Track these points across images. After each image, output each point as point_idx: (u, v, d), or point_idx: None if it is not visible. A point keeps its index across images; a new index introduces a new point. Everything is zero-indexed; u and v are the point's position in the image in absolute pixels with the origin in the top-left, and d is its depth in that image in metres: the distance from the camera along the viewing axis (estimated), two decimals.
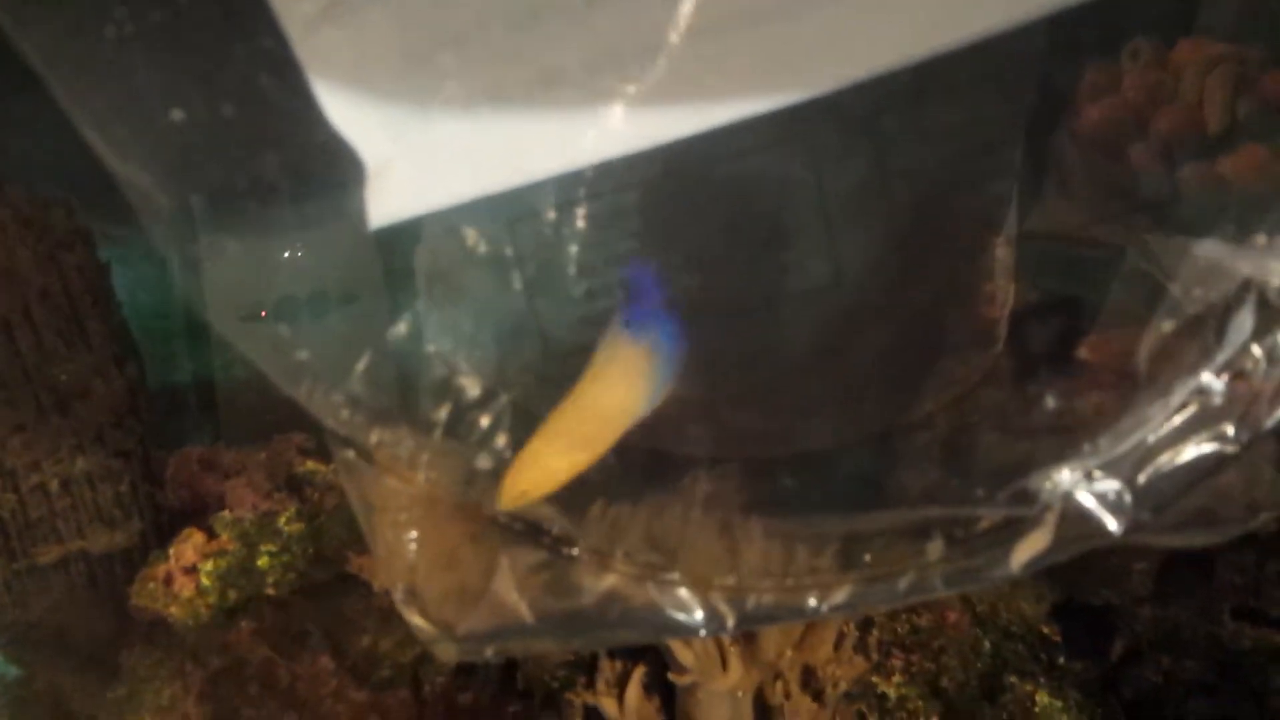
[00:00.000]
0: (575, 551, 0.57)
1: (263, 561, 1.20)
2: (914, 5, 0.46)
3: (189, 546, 1.20)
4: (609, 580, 0.57)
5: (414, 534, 0.58)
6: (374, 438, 0.56)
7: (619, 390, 0.53)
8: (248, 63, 0.44)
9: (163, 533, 1.25)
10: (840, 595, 0.51)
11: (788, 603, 0.52)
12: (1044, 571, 1.37)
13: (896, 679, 1.22)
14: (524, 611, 0.58)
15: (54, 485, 1.15)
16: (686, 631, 0.55)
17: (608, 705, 1.18)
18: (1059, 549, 0.48)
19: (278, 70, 0.45)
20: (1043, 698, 1.18)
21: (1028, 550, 0.48)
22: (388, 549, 0.58)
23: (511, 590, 0.58)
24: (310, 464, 1.32)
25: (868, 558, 0.51)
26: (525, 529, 0.57)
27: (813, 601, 0.52)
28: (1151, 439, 0.45)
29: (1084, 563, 1.38)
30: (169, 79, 0.44)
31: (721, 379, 0.61)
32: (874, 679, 1.23)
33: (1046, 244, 0.58)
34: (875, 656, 1.20)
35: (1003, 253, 0.57)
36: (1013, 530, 0.48)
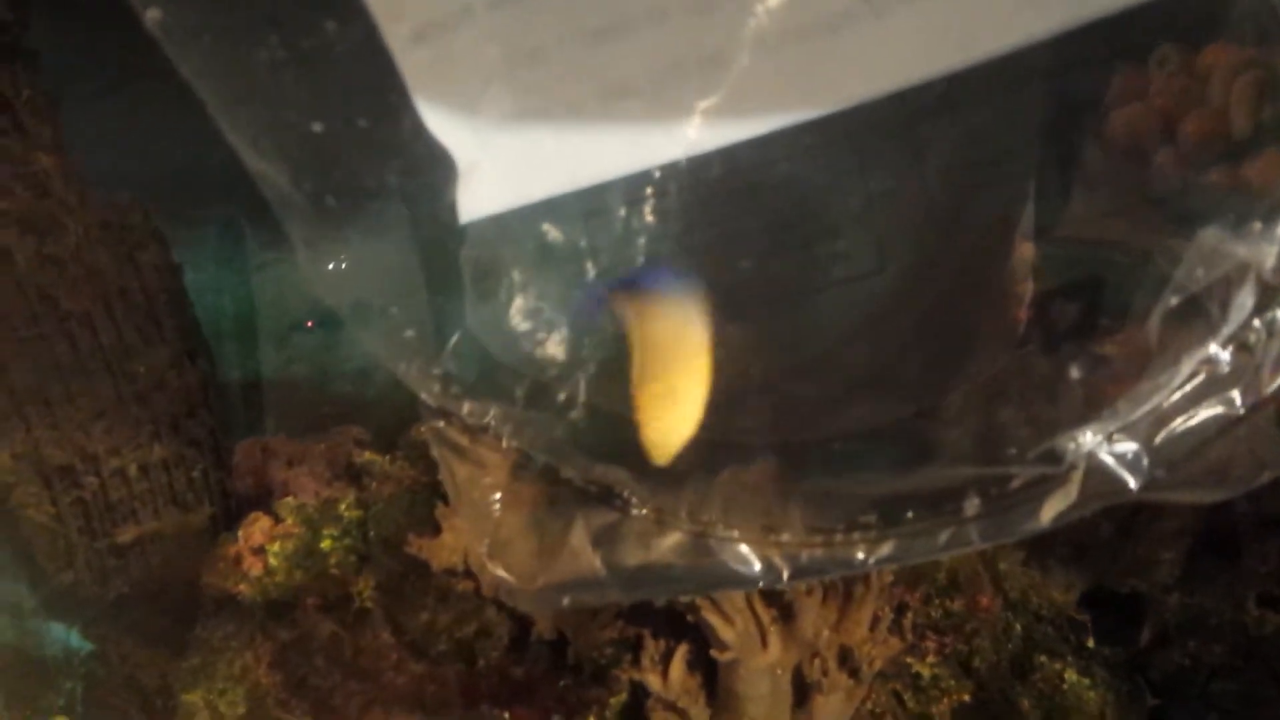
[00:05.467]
0: (643, 512, 0.63)
1: (325, 544, 1.27)
2: (952, 20, 0.52)
3: (256, 529, 1.27)
4: (673, 538, 0.63)
5: (498, 496, 0.65)
6: (464, 409, 0.62)
7: (659, 330, 0.60)
8: (373, 82, 0.51)
9: (231, 517, 1.32)
10: (885, 549, 0.57)
11: (837, 556, 0.58)
12: (1074, 561, 1.41)
13: (930, 659, 1.27)
14: (597, 566, 0.64)
15: (133, 470, 1.22)
16: (745, 584, 0.61)
17: (653, 680, 1.24)
18: (1084, 504, 0.53)
19: (392, 86, 0.52)
20: (1071, 676, 1.23)
21: (1056, 505, 0.53)
22: (474, 510, 0.65)
23: (586, 546, 0.64)
24: (368, 454, 1.39)
25: (910, 515, 0.56)
26: (598, 492, 0.63)
27: (860, 555, 0.58)
28: (1165, 404, 0.51)
29: (1113, 553, 1.43)
30: (309, 96, 0.50)
31: (770, 363, 0.67)
32: (908, 659, 1.28)
33: (1072, 247, 0.63)
34: (910, 638, 1.25)
35: (1023, 250, 0.62)
36: (1042, 488, 0.54)
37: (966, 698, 1.27)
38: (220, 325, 1.47)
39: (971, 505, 0.54)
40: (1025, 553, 1.37)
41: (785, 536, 0.60)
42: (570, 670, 1.24)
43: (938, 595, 1.31)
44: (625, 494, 0.63)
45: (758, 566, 0.61)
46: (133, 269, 1.26)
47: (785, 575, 0.60)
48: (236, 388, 1.46)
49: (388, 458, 1.38)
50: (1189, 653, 1.36)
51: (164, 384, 1.25)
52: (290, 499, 1.31)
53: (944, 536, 0.55)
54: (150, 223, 1.29)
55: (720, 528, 0.61)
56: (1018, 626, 1.30)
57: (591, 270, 0.64)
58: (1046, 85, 0.61)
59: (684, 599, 1.18)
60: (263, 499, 1.35)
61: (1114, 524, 1.41)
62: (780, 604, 1.20)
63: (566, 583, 0.66)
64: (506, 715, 1.20)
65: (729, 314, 0.63)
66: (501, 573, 0.68)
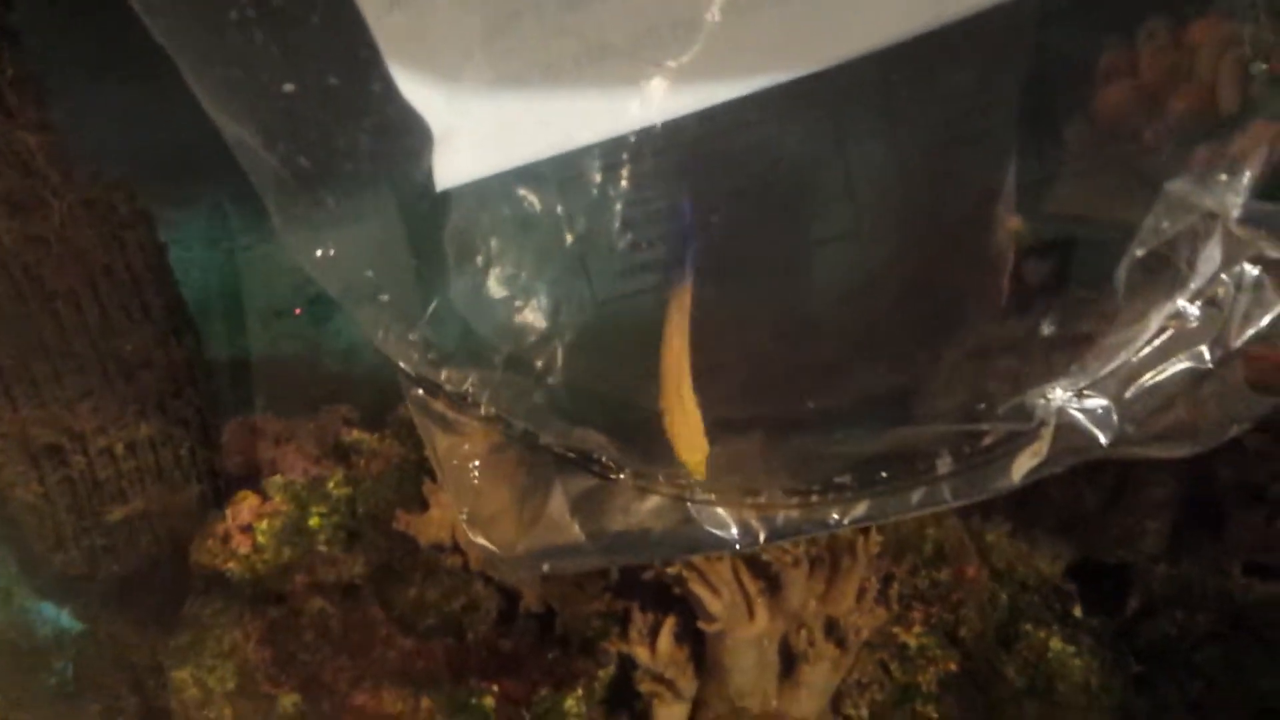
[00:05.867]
0: (622, 477, 0.63)
1: (314, 521, 1.28)
2: None
3: (244, 507, 1.27)
4: (651, 502, 0.63)
5: (477, 464, 0.65)
6: (442, 375, 0.62)
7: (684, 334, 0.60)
8: (344, 42, 0.51)
9: (219, 495, 1.32)
10: (860, 509, 0.58)
11: (813, 517, 0.59)
12: (1061, 533, 1.42)
13: (916, 629, 1.28)
14: (575, 531, 0.65)
15: (120, 449, 1.22)
16: (723, 547, 0.61)
17: (640, 653, 1.24)
18: (1055, 461, 0.54)
19: (363, 44, 0.52)
20: (1056, 644, 1.24)
21: (1026, 462, 0.54)
22: (454, 478, 0.65)
23: (565, 513, 0.64)
24: (356, 433, 1.39)
25: (883, 475, 0.57)
26: (577, 458, 0.64)
27: (835, 515, 0.58)
28: (1134, 360, 0.51)
29: (1099, 524, 1.44)
30: (280, 56, 0.50)
31: (750, 331, 0.68)
32: (895, 630, 1.29)
33: (1056, 222, 0.63)
34: (896, 608, 1.26)
35: (1007, 221, 0.63)
36: (1013, 445, 0.54)
37: (953, 667, 1.28)
38: (207, 304, 1.47)
39: (944, 464, 0.55)
40: (1012, 524, 1.38)
41: (762, 499, 0.60)
42: (558, 643, 1.25)
43: (924, 566, 1.32)
44: (604, 459, 0.63)
45: (735, 529, 0.62)
46: (118, 247, 1.26)
47: (762, 537, 0.61)
48: (224, 367, 1.46)
49: (376, 436, 1.38)
50: (1175, 622, 1.37)
51: (151, 362, 1.25)
52: (278, 477, 1.31)
53: (917, 495, 0.56)
54: (136, 202, 1.29)
55: (699, 492, 0.62)
56: (1004, 596, 1.31)
57: (569, 238, 0.64)
58: (1030, 55, 0.61)
59: (670, 571, 1.18)
60: (251, 478, 1.35)
61: (1100, 495, 1.42)
62: (767, 575, 1.21)
63: (546, 549, 0.66)
64: (495, 688, 1.21)
65: (707, 280, 0.63)
66: (482, 540, 0.68)
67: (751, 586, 1.21)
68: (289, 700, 1.18)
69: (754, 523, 0.61)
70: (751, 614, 1.22)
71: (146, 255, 1.30)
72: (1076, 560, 1.41)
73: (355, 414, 1.46)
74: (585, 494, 0.65)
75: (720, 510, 0.61)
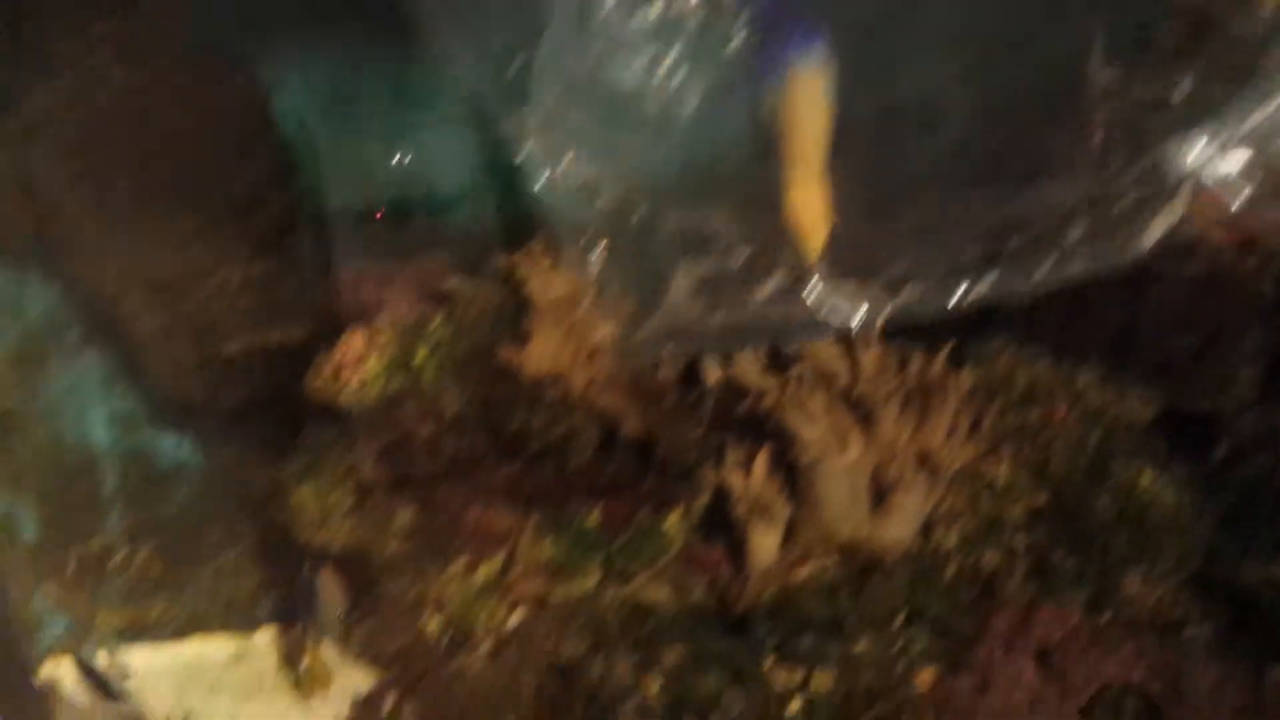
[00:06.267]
0: (742, 260, 0.65)
1: (419, 358, 1.33)
2: None
3: (355, 343, 1.33)
4: (771, 286, 0.65)
5: (600, 247, 0.67)
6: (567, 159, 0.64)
7: (812, 112, 0.61)
8: None
9: (329, 333, 1.37)
10: (986, 285, 0.59)
11: (936, 296, 0.60)
12: (1152, 379, 1.41)
13: (1005, 466, 1.30)
14: (696, 316, 0.67)
15: (235, 284, 1.28)
16: (841, 329, 0.63)
17: (735, 482, 1.29)
18: (1188, 222, 0.54)
19: None
20: (1146, 479, 1.25)
21: (1161, 223, 0.54)
22: (574, 266, 0.67)
23: (685, 297, 0.67)
24: (453, 280, 1.43)
25: (1012, 244, 0.58)
26: (699, 241, 0.66)
27: (960, 293, 0.60)
28: (1273, 116, 0.51)
29: (1191, 371, 1.43)
30: None
31: (874, 116, 0.68)
32: (984, 467, 1.32)
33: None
34: (986, 444, 1.28)
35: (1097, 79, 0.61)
36: (1147, 208, 0.55)
37: (1042, 501, 1.30)
38: (312, 154, 1.50)
39: (1075, 230, 0.56)
40: (1103, 370, 1.39)
41: (885, 279, 0.62)
42: (657, 469, 1.29)
43: (1014, 406, 1.34)
44: (725, 243, 0.65)
45: (855, 311, 0.64)
46: (229, 91, 1.29)
47: (882, 318, 0.63)
48: (328, 215, 1.50)
49: (472, 283, 1.42)
50: (1263, 467, 1.37)
51: (261, 203, 1.29)
52: (384, 317, 1.36)
53: (1046, 266, 0.57)
54: (245, 57, 1.31)
55: (820, 273, 0.64)
56: (1093, 436, 1.32)
57: (698, 25, 0.65)
58: None
59: (766, 403, 1.21)
60: (358, 318, 1.39)
61: (1192, 342, 1.41)
62: (861, 408, 1.24)
63: (668, 333, 0.69)
64: (598, 509, 1.26)
65: (831, 64, 0.64)
66: (605, 329, 0.71)
67: (846, 418, 1.24)
68: (404, 516, 1.25)
69: (874, 304, 0.62)
70: (845, 444, 1.25)
71: (254, 103, 1.33)
72: (1166, 408, 1.40)
73: (452, 262, 1.50)
74: (706, 279, 0.67)
75: (841, 292, 0.63)
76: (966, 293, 0.59)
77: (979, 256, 0.58)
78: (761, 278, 0.64)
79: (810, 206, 0.59)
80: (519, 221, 1.40)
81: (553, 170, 0.64)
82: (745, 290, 0.64)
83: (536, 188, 0.67)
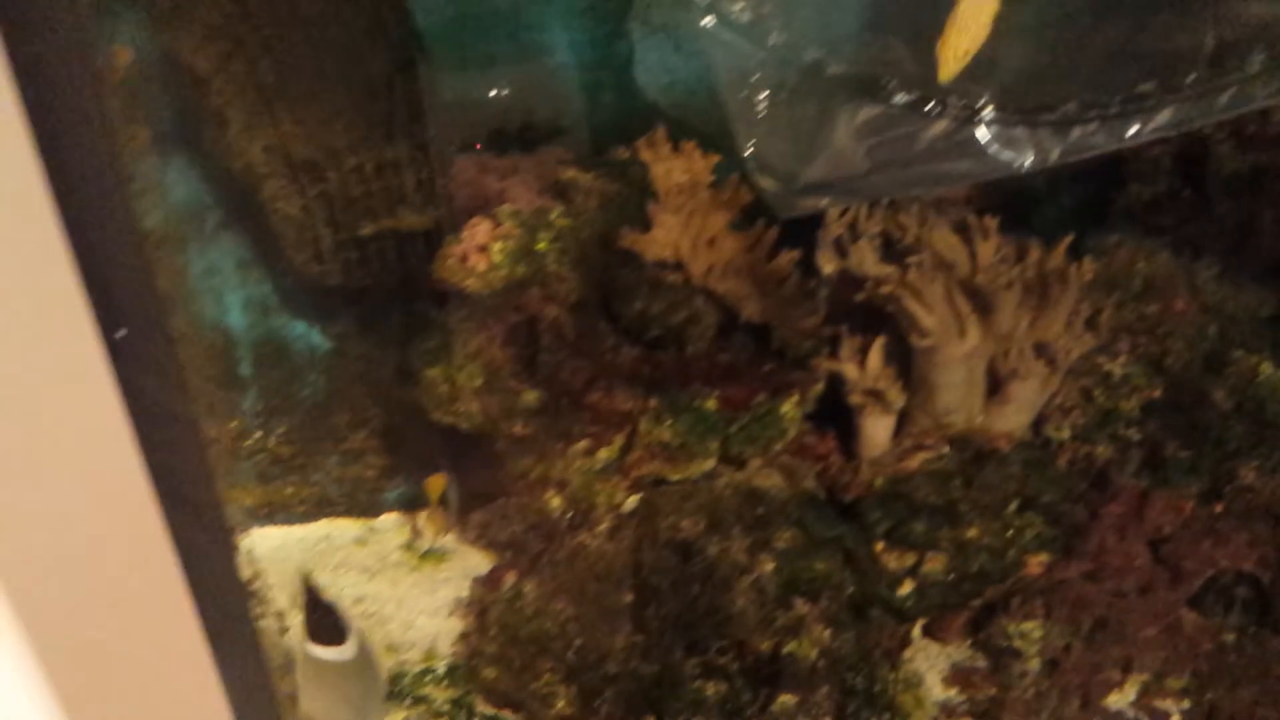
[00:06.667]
0: (912, 98, 0.67)
1: (541, 245, 1.36)
2: None
3: (480, 230, 1.37)
4: (940, 126, 0.67)
5: (764, 95, 0.69)
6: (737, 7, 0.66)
7: None
8: None
9: (454, 220, 1.41)
10: (1163, 117, 0.60)
11: (1111, 131, 0.61)
12: (1268, 276, 1.39)
13: (1122, 359, 1.31)
14: (860, 161, 0.69)
15: (370, 168, 1.32)
16: (1012, 169, 0.65)
17: (850, 370, 1.31)
18: None
19: None
20: (1266, 368, 1.25)
21: None
22: (741, 113, 0.70)
23: (849, 142, 0.69)
24: (572, 172, 1.46)
25: (1190, 77, 0.59)
26: (865, 81, 0.68)
27: (1136, 126, 0.61)
28: None
29: None
30: None
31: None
32: (1100, 360, 1.32)
33: None
34: (1105, 335, 1.29)
35: None
36: None
37: (1157, 394, 1.31)
38: (440, 45, 1.52)
39: (1256, 60, 0.56)
40: (1221, 266, 1.38)
41: (1058, 115, 0.63)
42: (774, 355, 1.32)
43: (1133, 300, 1.34)
44: (893, 82, 0.67)
45: (1027, 150, 0.65)
46: None
47: (1054, 156, 0.64)
48: (453, 104, 1.52)
49: (591, 174, 1.45)
50: None
51: (394, 88, 1.32)
52: (507, 206, 1.40)
53: (1225, 97, 0.58)
54: None
55: (991, 110, 0.65)
56: (1212, 328, 1.31)
57: None
58: None
59: (884, 290, 1.23)
60: (480, 208, 1.43)
61: None
62: (980, 297, 1.25)
63: (828, 181, 0.71)
64: (716, 394, 1.30)
65: None
66: (766, 182, 0.73)
67: (964, 305, 1.26)
68: (530, 396, 1.30)
69: (1047, 141, 0.64)
70: (963, 332, 1.27)
71: None
72: None
73: (569, 155, 1.53)
74: (871, 121, 0.69)
75: (1012, 130, 0.64)
76: (1142, 129, 0.60)
77: (1155, 89, 0.59)
78: (929, 120, 0.65)
79: (977, 45, 0.60)
80: (639, 112, 1.43)
81: (720, 10, 0.66)
82: (912, 133, 0.66)
83: (702, 23, 0.69)
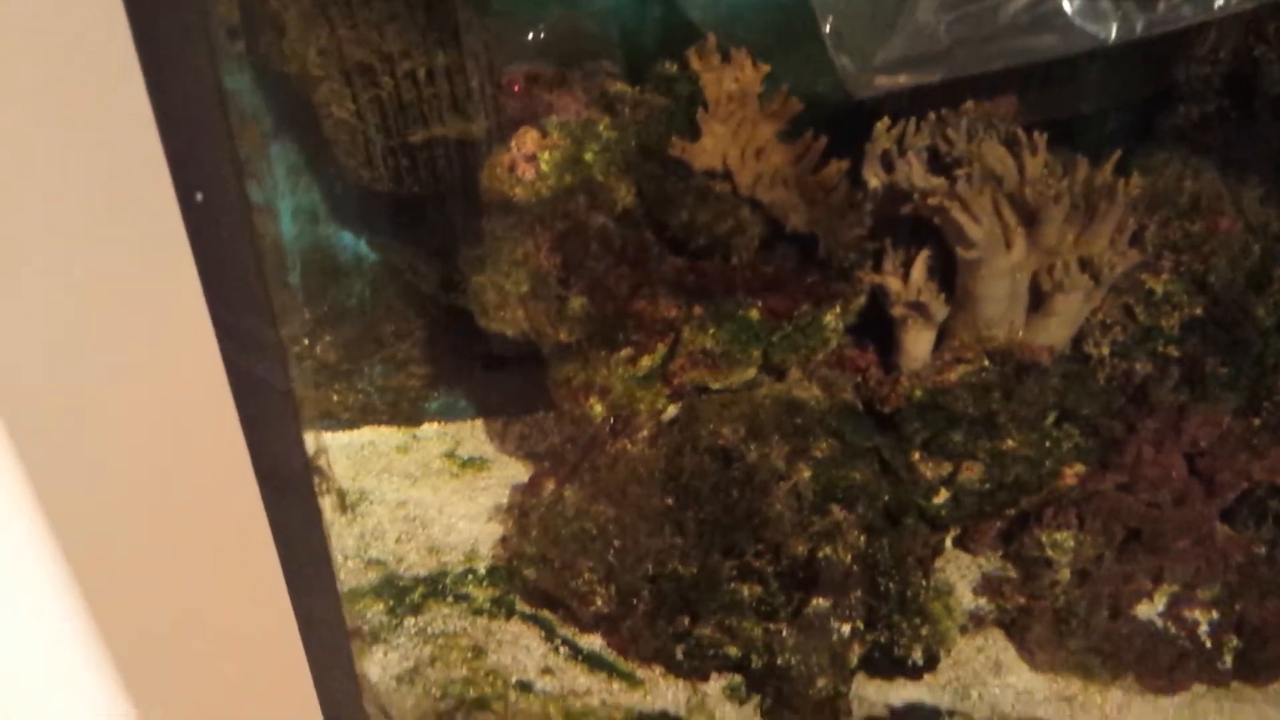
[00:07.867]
0: None
1: (589, 155, 1.37)
2: None
3: (528, 139, 1.38)
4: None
5: None
6: None
7: None
8: None
9: (503, 130, 1.42)
10: None
11: (1199, 2, 0.62)
12: None
13: (1165, 276, 1.32)
14: (940, 35, 0.70)
15: (421, 74, 1.33)
16: (1097, 41, 0.66)
17: (893, 283, 1.33)
18: None
19: None
20: None
21: None
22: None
23: (929, 16, 0.69)
24: (619, 85, 1.46)
25: None
26: None
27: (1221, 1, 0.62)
28: None
29: None
30: None
31: None
32: (1143, 276, 1.33)
33: None
34: (1149, 251, 1.30)
35: None
36: None
37: (1198, 312, 1.32)
38: None
39: None
40: (1267, 186, 1.38)
41: None
42: (818, 266, 1.34)
43: (1178, 218, 1.34)
44: None
45: (1112, 22, 0.66)
46: None
47: (1140, 27, 0.65)
48: (501, 15, 1.53)
49: (636, 88, 1.45)
50: None
51: None
52: (554, 116, 1.40)
53: None
54: None
55: None
56: (1256, 248, 1.32)
57: None
58: None
59: (931, 202, 1.24)
60: (528, 119, 1.44)
61: None
62: (1026, 210, 1.26)
63: (907, 58, 0.72)
64: (759, 303, 1.32)
65: None
66: (844, 60, 0.74)
67: (1011, 218, 1.27)
68: (577, 303, 1.32)
69: (1132, 13, 0.65)
70: (1009, 244, 1.28)
71: None
72: None
73: (616, 69, 1.53)
74: None
75: (1097, 2, 0.65)
76: (1230, 0, 0.60)
77: None
78: None
79: None
80: (686, 25, 1.43)
81: None
82: (994, 7, 0.66)
83: None
